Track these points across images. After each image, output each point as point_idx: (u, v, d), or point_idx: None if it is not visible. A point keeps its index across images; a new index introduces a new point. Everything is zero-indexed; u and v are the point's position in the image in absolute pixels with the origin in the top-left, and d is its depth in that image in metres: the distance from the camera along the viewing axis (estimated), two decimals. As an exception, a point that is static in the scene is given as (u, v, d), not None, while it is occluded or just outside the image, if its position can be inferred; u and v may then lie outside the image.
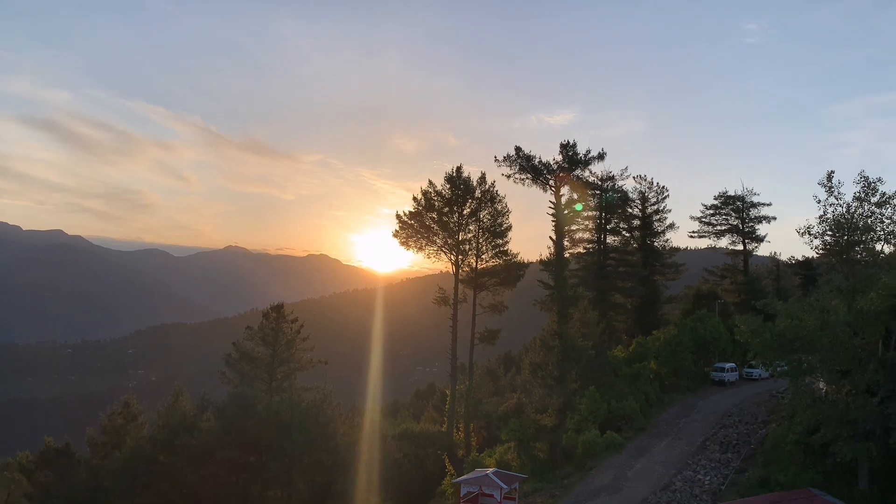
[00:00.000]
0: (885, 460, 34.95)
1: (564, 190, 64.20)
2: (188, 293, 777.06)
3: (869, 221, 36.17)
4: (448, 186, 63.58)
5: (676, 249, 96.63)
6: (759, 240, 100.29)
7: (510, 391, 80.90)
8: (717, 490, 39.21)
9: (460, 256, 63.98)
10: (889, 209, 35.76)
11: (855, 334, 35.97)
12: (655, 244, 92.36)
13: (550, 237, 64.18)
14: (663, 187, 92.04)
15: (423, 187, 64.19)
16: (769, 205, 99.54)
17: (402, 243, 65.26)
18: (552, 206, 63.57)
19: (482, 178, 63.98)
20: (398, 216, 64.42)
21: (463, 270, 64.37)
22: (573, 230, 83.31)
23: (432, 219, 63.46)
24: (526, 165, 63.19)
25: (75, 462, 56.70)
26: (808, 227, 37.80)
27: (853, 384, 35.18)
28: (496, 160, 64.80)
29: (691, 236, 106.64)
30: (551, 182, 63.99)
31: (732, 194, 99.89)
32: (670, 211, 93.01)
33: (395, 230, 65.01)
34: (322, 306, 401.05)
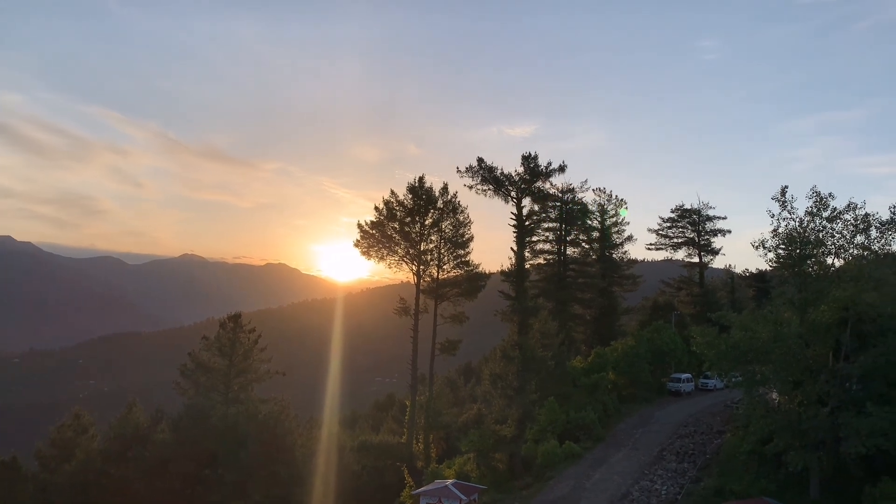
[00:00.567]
0: (836, 470, 35.81)
1: (526, 201, 64.69)
2: (142, 302, 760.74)
3: (820, 236, 37.18)
4: (410, 196, 63.52)
5: (634, 261, 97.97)
6: (715, 252, 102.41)
7: (470, 402, 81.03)
8: (673, 500, 39.69)
9: (422, 267, 63.88)
10: (839, 224, 36.82)
11: (807, 346, 36.85)
12: (614, 256, 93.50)
13: (512, 248, 64.53)
14: (622, 200, 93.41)
15: (385, 197, 64.09)
16: (724, 218, 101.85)
17: (364, 253, 64.92)
18: (514, 217, 63.97)
19: (444, 189, 64.13)
20: (360, 225, 64.13)
21: (424, 281, 64.24)
22: (534, 241, 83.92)
23: (394, 229, 63.28)
24: (488, 177, 63.52)
25: (22, 476, 54.86)
26: (762, 241, 38.72)
27: (805, 395, 36.01)
28: (458, 171, 65.02)
29: (649, 248, 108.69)
30: (513, 193, 64.43)
31: (689, 207, 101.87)
32: (629, 223, 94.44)
33: (357, 240, 64.67)
34: (281, 316, 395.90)
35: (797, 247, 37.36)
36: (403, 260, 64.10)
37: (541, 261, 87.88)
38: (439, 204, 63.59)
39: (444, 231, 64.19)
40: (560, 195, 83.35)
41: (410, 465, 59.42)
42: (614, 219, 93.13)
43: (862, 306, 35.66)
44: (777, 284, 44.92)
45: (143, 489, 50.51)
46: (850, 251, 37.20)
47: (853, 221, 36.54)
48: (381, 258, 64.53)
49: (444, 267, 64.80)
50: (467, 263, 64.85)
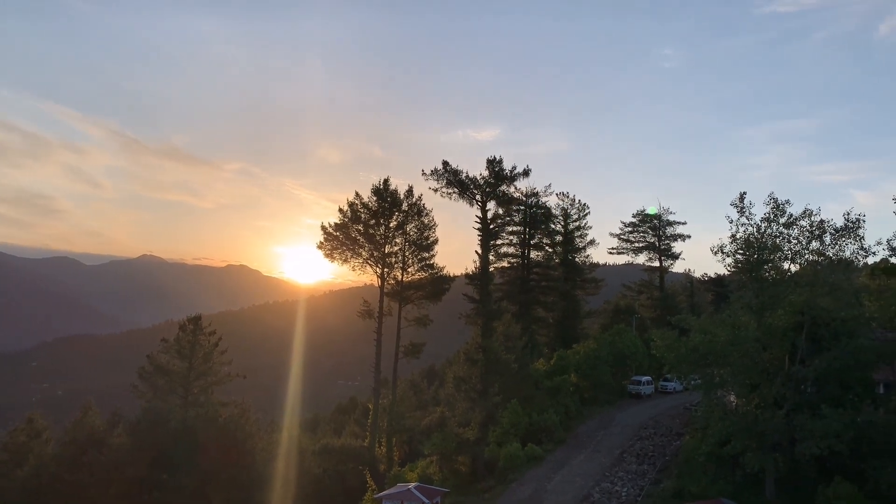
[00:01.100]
0: (791, 470, 36.61)
1: (490, 205, 65.01)
2: (99, 303, 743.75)
3: (777, 241, 38.01)
4: (375, 199, 63.26)
5: (596, 265, 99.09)
6: (675, 257, 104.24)
7: (434, 405, 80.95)
8: (633, 501, 40.17)
9: (386, 269, 63.62)
10: (795, 230, 37.72)
11: (764, 349, 37.67)
12: (577, 259, 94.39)
13: (476, 251, 64.90)
14: (584, 204, 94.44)
15: (350, 199, 63.67)
16: (684, 223, 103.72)
17: (327, 255, 64.42)
18: (478, 220, 64.25)
19: (409, 191, 64.03)
20: (323, 227, 63.61)
21: (388, 283, 63.99)
22: (498, 244, 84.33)
23: (358, 231, 62.91)
24: (453, 180, 63.75)
25: (-29, 482, 53.20)
26: (721, 246, 39.46)
27: (762, 397, 36.80)
28: (424, 174, 65.16)
29: (610, 252, 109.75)
30: (478, 197, 64.72)
31: (650, 213, 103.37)
32: (591, 227, 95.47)
33: (321, 241, 64.13)
34: (241, 318, 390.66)
35: (755, 252, 38.13)
36: (367, 262, 63.79)
37: (505, 264, 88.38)
38: (404, 206, 63.45)
39: (408, 234, 64.06)
40: (524, 199, 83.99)
41: (373, 468, 59.08)
42: (577, 223, 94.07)
43: (817, 311, 36.60)
44: (735, 289, 45.83)
45: (99, 495, 49.39)
46: (806, 257, 38.13)
47: (809, 228, 37.49)
48: (345, 260, 64.12)
49: (409, 269, 64.65)
50: (432, 266, 64.81)
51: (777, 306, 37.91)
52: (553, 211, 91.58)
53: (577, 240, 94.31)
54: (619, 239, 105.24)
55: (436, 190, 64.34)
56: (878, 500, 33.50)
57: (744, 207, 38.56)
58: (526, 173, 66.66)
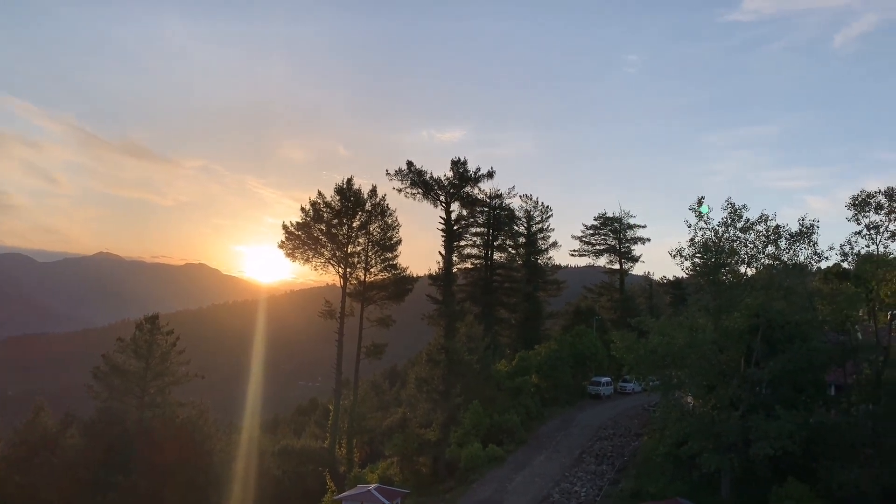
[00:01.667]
0: (745, 471, 37.32)
1: (455, 206, 65.09)
2: (53, 301, 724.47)
3: (734, 245, 38.76)
4: (338, 198, 62.81)
5: (558, 267, 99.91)
6: (635, 260, 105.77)
7: (395, 406, 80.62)
8: (591, 501, 40.54)
9: (348, 269, 63.21)
10: (752, 234, 38.52)
11: (720, 351, 38.35)
12: (539, 261, 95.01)
13: (440, 252, 64.88)
14: (547, 207, 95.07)
15: (312, 198, 63.13)
16: (644, 227, 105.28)
17: (289, 254, 63.74)
18: (442, 221, 64.27)
19: (373, 191, 63.76)
20: (285, 226, 62.91)
21: (351, 283, 63.59)
22: (462, 246, 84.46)
23: (321, 230, 62.38)
24: (417, 180, 63.69)
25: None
26: (680, 249, 40.08)
27: (718, 398, 37.45)
28: (388, 174, 64.96)
29: (572, 255, 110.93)
30: (442, 198, 64.74)
31: (611, 216, 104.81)
32: (554, 230, 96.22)
33: (282, 241, 63.44)
34: (200, 318, 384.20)
35: (712, 256, 38.81)
36: (330, 262, 63.31)
37: (468, 265, 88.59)
38: (367, 206, 63.14)
39: (371, 234, 63.76)
40: (488, 201, 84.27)
41: (333, 469, 58.69)
42: (540, 225, 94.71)
43: (772, 314, 37.40)
44: (693, 292, 46.67)
45: (51, 497, 48.21)
46: (762, 261, 38.96)
47: (764, 232, 38.31)
48: (307, 260, 63.55)
49: (372, 270, 64.36)
50: (395, 267, 64.62)
51: (733, 309, 38.64)
52: (517, 213, 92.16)
53: (540, 242, 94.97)
54: (581, 241, 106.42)
55: (400, 190, 64.25)
56: (829, 499, 34.38)
57: (702, 212, 39.23)
58: (490, 175, 66.96)
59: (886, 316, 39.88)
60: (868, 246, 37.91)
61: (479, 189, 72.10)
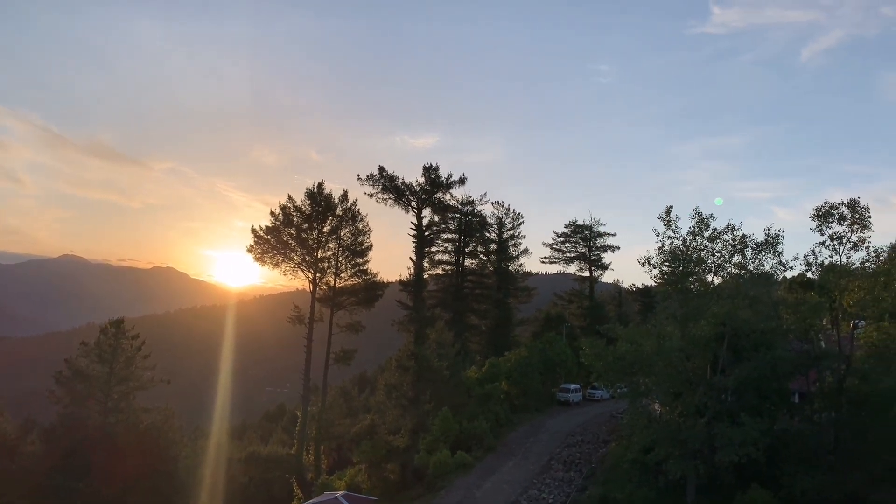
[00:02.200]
0: (711, 477, 37.71)
1: (426, 212, 64.96)
2: (16, 304, 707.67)
3: (701, 254, 39.21)
4: (308, 202, 62.34)
5: (529, 274, 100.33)
6: (604, 267, 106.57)
7: (364, 412, 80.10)
8: (560, 508, 40.63)
9: (318, 274, 62.72)
10: (719, 244, 39.02)
11: (687, 359, 38.70)
12: (510, 268, 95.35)
13: (411, 258, 64.65)
14: (519, 214, 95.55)
15: (282, 202, 62.59)
16: (614, 235, 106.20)
17: (257, 259, 63.08)
18: (414, 227, 64.09)
19: (344, 196, 63.38)
20: (254, 230, 62.25)
21: (320, 289, 63.08)
22: (433, 252, 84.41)
23: (290, 235, 61.84)
24: (389, 185, 63.42)
25: None
26: (648, 258, 40.42)
27: (684, 406, 37.78)
28: (359, 179, 64.57)
29: (543, 262, 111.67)
30: (413, 203, 64.56)
31: (581, 224, 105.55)
32: (525, 237, 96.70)
33: (251, 245, 62.73)
34: (167, 322, 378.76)
35: (680, 264, 39.21)
36: (299, 267, 62.76)
37: (439, 271, 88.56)
38: (338, 211, 62.77)
39: (342, 239, 63.38)
40: (460, 207, 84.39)
41: (300, 476, 58.11)
42: (511, 232, 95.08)
43: (738, 322, 37.87)
44: (661, 300, 47.00)
45: (10, 503, 47.01)
46: (728, 270, 39.48)
47: (731, 242, 38.85)
48: (276, 264, 62.94)
49: (342, 275, 63.95)
50: (365, 272, 64.28)
51: (700, 317, 39.04)
52: (488, 219, 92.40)
53: (511, 249, 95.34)
54: (552, 249, 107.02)
55: (371, 195, 63.89)
56: (791, 505, 34.89)
57: (670, 221, 39.64)
58: (462, 181, 66.96)
59: (849, 325, 40.65)
60: (831, 256, 38.65)
61: (451, 195, 72.09)
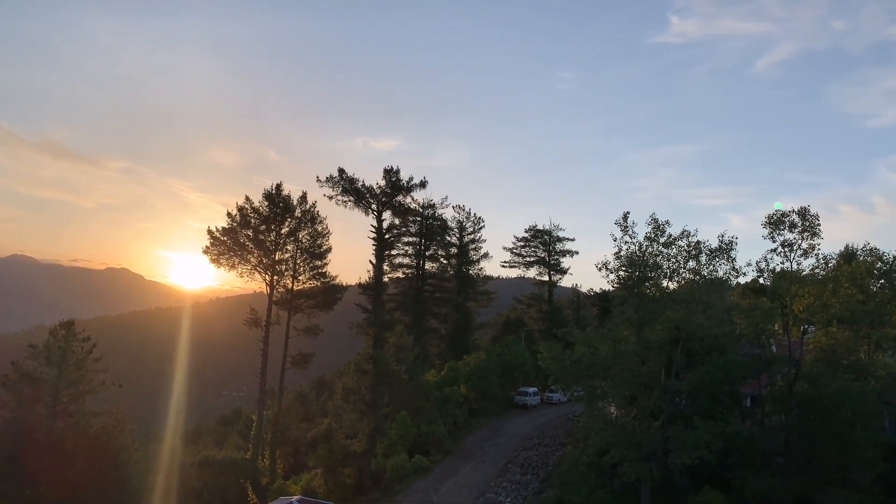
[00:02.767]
0: (665, 480, 38.22)
1: (386, 215, 64.66)
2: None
3: (657, 260, 39.78)
4: (266, 204, 61.47)
5: (489, 278, 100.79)
6: (563, 272, 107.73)
7: (322, 416, 79.36)
8: (517, 511, 40.74)
9: (276, 277, 61.85)
10: (674, 249, 39.63)
11: (642, 363, 39.21)
12: (470, 272, 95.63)
13: (371, 261, 64.20)
14: (480, 218, 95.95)
15: (239, 203, 61.59)
16: (573, 240, 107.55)
17: (213, 260, 61.88)
18: (374, 229, 63.71)
19: (303, 198, 62.64)
20: (210, 232, 61.08)
21: (278, 291, 62.23)
22: (393, 255, 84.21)
23: (247, 236, 60.89)
24: (349, 188, 62.96)
25: None
26: (606, 263, 40.86)
27: (639, 409, 38.26)
28: (319, 180, 63.98)
29: (503, 266, 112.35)
30: (374, 206, 64.19)
31: (541, 228, 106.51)
32: (485, 241, 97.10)
33: (206, 246, 61.52)
34: (121, 324, 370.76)
35: (636, 269, 39.72)
36: (256, 269, 61.81)
37: (399, 274, 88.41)
38: (297, 213, 62.01)
39: (301, 241, 62.63)
40: (421, 210, 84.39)
41: (255, 481, 57.18)
42: (472, 236, 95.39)
43: (692, 327, 38.52)
44: (618, 304, 47.57)
45: (-52, 513, 45.27)
46: (683, 275, 40.12)
47: (686, 248, 39.49)
48: (233, 266, 61.85)
49: (300, 278, 63.13)
50: (324, 275, 63.60)
51: (655, 322, 39.62)
52: (449, 223, 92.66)
53: (472, 252, 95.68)
54: (512, 253, 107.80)
55: (331, 197, 63.33)
56: (742, 506, 35.56)
57: (627, 226, 40.14)
58: (423, 184, 66.81)
59: (799, 330, 41.67)
60: (783, 263, 39.60)
61: (412, 198, 71.99)
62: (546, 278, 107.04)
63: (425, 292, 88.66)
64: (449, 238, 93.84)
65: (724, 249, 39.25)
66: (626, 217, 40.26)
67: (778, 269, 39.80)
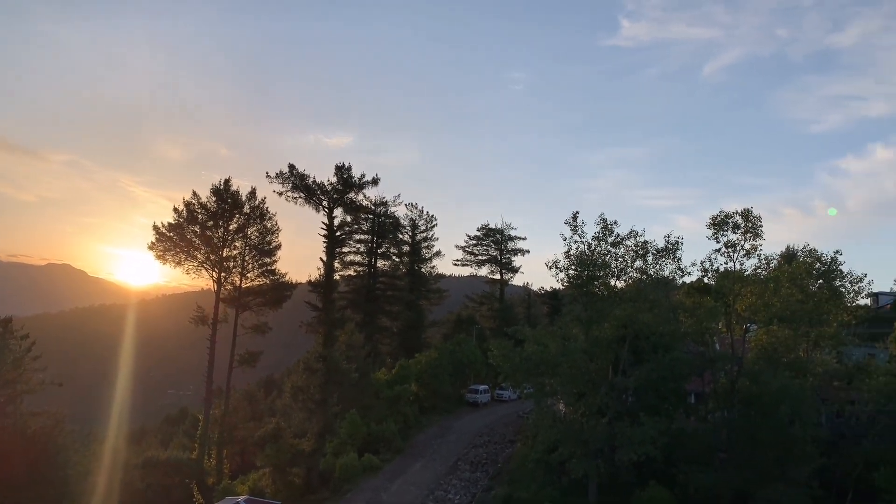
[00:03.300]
0: (611, 476, 38.80)
1: (338, 212, 64.01)
2: None
3: (606, 259, 40.34)
4: (214, 199, 60.29)
5: (441, 276, 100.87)
6: (515, 270, 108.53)
7: (269, 415, 78.34)
8: (465, 509, 40.83)
9: (223, 274, 60.74)
10: (622, 249, 40.25)
11: (591, 360, 39.71)
12: (423, 270, 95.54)
13: (321, 258, 63.47)
14: (432, 216, 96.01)
15: (186, 198, 60.27)
16: (524, 239, 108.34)
17: (159, 257, 60.44)
18: (324, 227, 63.01)
19: (252, 194, 61.64)
20: (156, 227, 59.63)
21: (226, 289, 61.13)
22: (344, 252, 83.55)
23: (194, 232, 59.61)
24: (299, 184, 62.05)
25: None
26: (556, 262, 41.27)
27: (587, 406, 38.73)
28: (268, 176, 62.88)
29: (455, 264, 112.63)
30: (325, 203, 63.48)
31: (493, 227, 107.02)
32: (438, 239, 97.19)
33: (152, 242, 60.05)
34: (62, 322, 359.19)
35: (586, 268, 40.22)
36: (203, 266, 60.59)
37: (351, 272, 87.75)
38: (246, 209, 61.01)
39: (249, 237, 61.64)
40: (373, 208, 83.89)
41: (201, 481, 56.11)
42: (424, 234, 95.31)
43: (639, 325, 39.20)
44: (567, 302, 48.08)
45: None
46: (630, 274, 40.79)
47: (633, 247, 40.16)
48: (179, 263, 60.51)
49: (249, 275, 62.16)
50: (273, 272, 62.75)
51: (604, 320, 40.20)
52: (401, 221, 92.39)
53: (424, 251, 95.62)
54: (464, 251, 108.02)
55: (281, 193, 62.25)
56: (686, 501, 36.32)
57: (576, 226, 40.61)
58: (375, 182, 66.28)
59: (741, 328, 42.76)
60: (726, 263, 40.59)
61: (364, 196, 71.27)
62: (498, 277, 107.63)
63: (377, 290, 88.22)
64: (401, 236, 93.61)
65: (670, 249, 40.07)
66: (575, 217, 40.73)
67: (722, 268, 40.79)
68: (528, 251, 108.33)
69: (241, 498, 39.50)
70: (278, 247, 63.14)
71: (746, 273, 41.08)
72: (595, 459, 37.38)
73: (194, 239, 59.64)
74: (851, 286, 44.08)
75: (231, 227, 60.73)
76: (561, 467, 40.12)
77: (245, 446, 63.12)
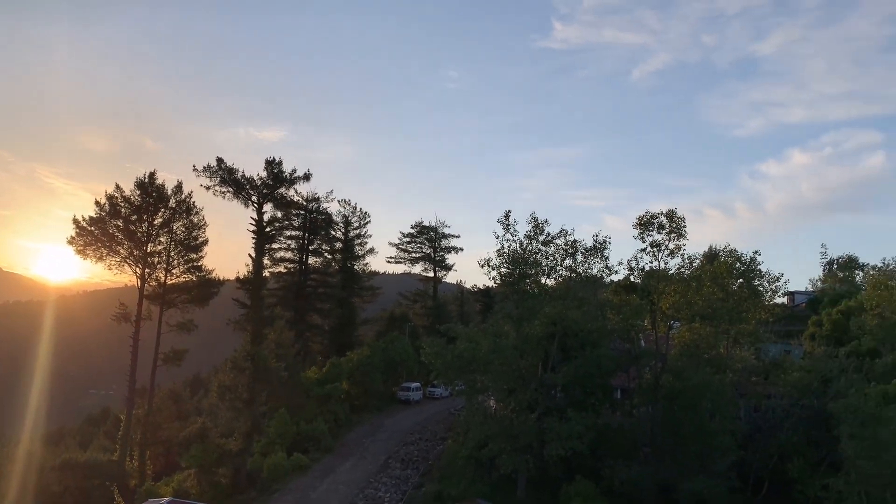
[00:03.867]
0: (540, 471, 39.38)
1: (268, 207, 62.82)
2: None
3: (537, 257, 40.91)
4: (139, 193, 58.22)
5: (375, 273, 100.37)
6: (448, 268, 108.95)
7: (196, 415, 76.44)
8: (395, 507, 40.73)
9: (147, 269, 58.74)
10: (552, 247, 40.89)
11: (521, 357, 40.22)
12: (355, 267, 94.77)
13: (250, 255, 62.19)
14: (366, 213, 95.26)
15: (109, 191, 58.02)
16: (458, 237, 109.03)
17: (79, 251, 57.99)
18: (254, 222, 61.75)
19: (178, 187, 59.80)
20: (76, 221, 57.16)
21: (150, 285, 59.15)
22: (274, 249, 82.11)
23: (117, 227, 57.44)
24: (228, 178, 60.54)
25: None
26: (488, 260, 41.62)
27: (517, 402, 39.23)
28: (195, 169, 61.18)
29: (389, 261, 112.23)
30: (254, 198, 62.20)
31: (427, 225, 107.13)
32: (371, 236, 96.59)
33: (72, 236, 57.56)
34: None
35: (518, 266, 40.69)
36: (126, 261, 58.46)
37: (281, 269, 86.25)
38: (171, 203, 59.17)
39: (175, 232, 59.81)
40: (304, 204, 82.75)
41: (122, 483, 54.19)
42: (358, 231, 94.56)
43: (567, 322, 39.93)
44: (499, 300, 48.56)
45: None
46: (560, 272, 41.49)
47: (563, 246, 40.86)
48: (101, 258, 58.20)
49: (174, 271, 60.31)
50: (200, 268, 61.08)
51: (534, 317, 40.76)
52: (334, 218, 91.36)
53: (357, 248, 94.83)
54: (398, 249, 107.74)
55: (208, 188, 60.62)
56: (611, 495, 37.21)
57: (509, 224, 41.04)
58: (307, 177, 65.31)
59: (665, 326, 44.07)
60: (651, 262, 41.75)
61: (296, 191, 70.13)
62: (431, 274, 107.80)
63: (308, 287, 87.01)
64: (334, 233, 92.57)
65: (598, 248, 40.95)
66: (507, 216, 41.17)
67: (647, 267, 41.94)
68: (461, 249, 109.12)
69: (165, 500, 38.32)
70: (205, 242, 61.53)
71: (670, 272, 42.39)
72: (524, 455, 37.86)
73: (117, 234, 57.50)
74: (769, 285, 45.97)
75: (156, 222, 58.81)
76: (491, 463, 40.46)
77: (170, 447, 61.41)
